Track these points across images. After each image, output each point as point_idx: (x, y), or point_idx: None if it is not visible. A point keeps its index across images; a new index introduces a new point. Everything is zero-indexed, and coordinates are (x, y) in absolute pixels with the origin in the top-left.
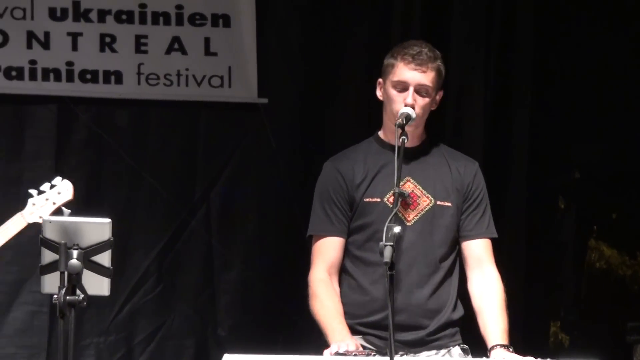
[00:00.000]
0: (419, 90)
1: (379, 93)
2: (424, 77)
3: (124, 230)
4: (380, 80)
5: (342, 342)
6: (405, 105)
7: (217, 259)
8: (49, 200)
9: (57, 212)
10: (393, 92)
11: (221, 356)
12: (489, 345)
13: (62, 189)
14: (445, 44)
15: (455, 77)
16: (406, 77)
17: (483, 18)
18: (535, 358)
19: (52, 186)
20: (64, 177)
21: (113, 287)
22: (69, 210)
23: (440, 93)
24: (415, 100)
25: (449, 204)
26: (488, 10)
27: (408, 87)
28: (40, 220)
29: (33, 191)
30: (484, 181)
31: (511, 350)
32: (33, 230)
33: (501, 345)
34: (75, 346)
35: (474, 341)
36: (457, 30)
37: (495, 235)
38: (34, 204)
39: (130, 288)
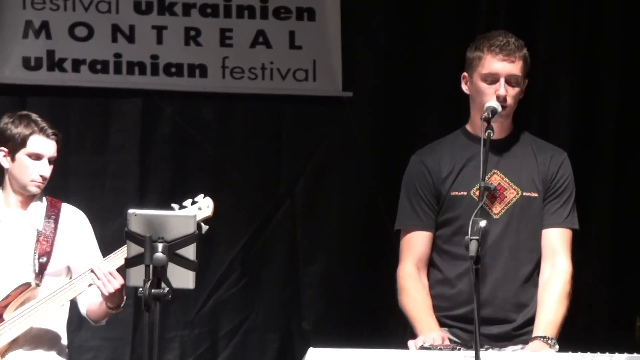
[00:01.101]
0: (509, 80)
1: (464, 87)
2: (514, 67)
3: (208, 223)
4: (466, 73)
5: (428, 335)
6: (498, 97)
7: (301, 253)
8: (191, 213)
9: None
10: (483, 85)
11: (306, 350)
12: (532, 336)
13: (202, 205)
14: (533, 26)
15: (540, 67)
16: (496, 68)
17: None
18: (581, 352)
19: (193, 202)
20: (148, 170)
21: (198, 280)
22: (207, 227)
23: (526, 81)
24: (506, 91)
25: (536, 195)
26: None
27: (498, 78)
28: None
29: (175, 206)
30: (572, 172)
31: (551, 342)
32: (118, 223)
33: (540, 337)
34: (160, 339)
35: None
36: (544, 14)
37: (576, 226)
38: None
39: (214, 281)
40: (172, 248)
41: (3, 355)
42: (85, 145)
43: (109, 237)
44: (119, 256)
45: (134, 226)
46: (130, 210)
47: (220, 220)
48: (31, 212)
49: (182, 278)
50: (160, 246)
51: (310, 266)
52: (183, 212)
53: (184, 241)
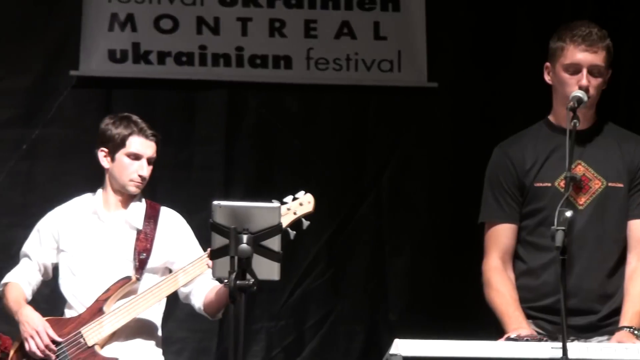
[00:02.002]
0: (592, 70)
1: (547, 77)
2: (596, 57)
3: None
4: (548, 64)
5: (516, 330)
6: (580, 87)
7: (387, 244)
8: (290, 210)
9: (297, 223)
10: (565, 75)
11: (392, 341)
12: (618, 326)
13: (303, 201)
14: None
15: (627, 58)
16: (578, 58)
17: None
18: None
19: (294, 198)
20: (233, 162)
21: (283, 272)
22: (308, 222)
23: (609, 72)
24: (589, 81)
25: (621, 185)
26: None
27: (581, 69)
28: None
29: (275, 201)
30: None
31: (637, 333)
32: (203, 215)
33: (627, 328)
34: (246, 331)
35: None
36: (632, 3)
37: None
38: None
39: (300, 273)
40: (257, 239)
41: (103, 347)
42: (170, 138)
43: (195, 228)
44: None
45: (219, 217)
46: (215, 202)
47: None
48: (131, 211)
49: (267, 269)
50: (245, 237)
51: (395, 257)
52: (268, 204)
53: (269, 232)
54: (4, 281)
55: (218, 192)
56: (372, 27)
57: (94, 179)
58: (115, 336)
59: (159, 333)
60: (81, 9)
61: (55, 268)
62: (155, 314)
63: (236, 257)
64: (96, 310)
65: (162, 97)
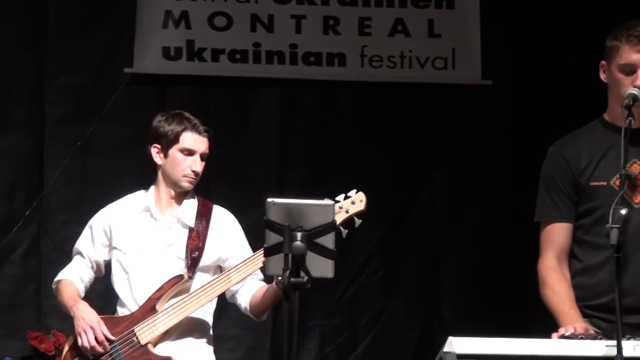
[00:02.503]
0: None
1: (602, 75)
2: None
3: (361, 217)
4: (604, 62)
5: (570, 326)
6: (634, 87)
7: (441, 242)
8: (342, 209)
9: (349, 221)
10: (620, 75)
11: (445, 339)
12: None
13: (355, 200)
14: None
15: None
16: (633, 59)
17: None
18: None
19: (346, 197)
20: (287, 160)
21: (337, 269)
22: (360, 220)
23: None
24: None
25: None
26: None
27: (636, 69)
28: None
29: (328, 200)
30: None
31: None
32: (257, 213)
33: None
34: (300, 328)
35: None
36: None
37: None
38: None
39: (354, 270)
40: (311, 237)
41: (155, 345)
42: (224, 135)
43: (249, 226)
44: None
45: (273, 215)
46: (269, 199)
47: None
48: (183, 209)
49: (321, 267)
50: (299, 235)
51: (450, 255)
52: (322, 201)
53: (323, 230)
54: (57, 279)
55: (272, 189)
56: (427, 24)
57: (147, 176)
58: (167, 335)
59: (211, 331)
60: (136, 6)
61: (108, 265)
62: (206, 312)
63: (290, 255)
64: (149, 309)
65: (215, 95)
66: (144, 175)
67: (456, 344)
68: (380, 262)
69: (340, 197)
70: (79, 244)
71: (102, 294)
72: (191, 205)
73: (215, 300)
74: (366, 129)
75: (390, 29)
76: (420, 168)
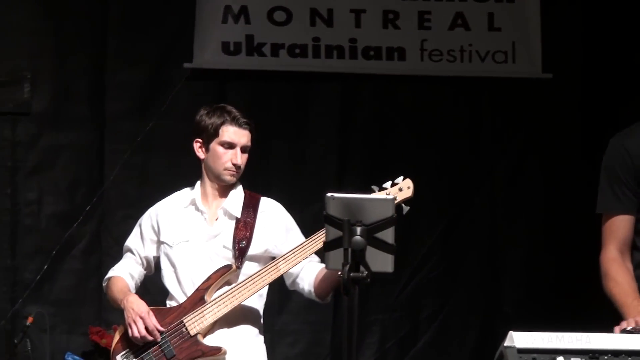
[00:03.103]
0: None
1: None
2: None
3: (409, 204)
4: None
5: (632, 320)
6: None
7: (501, 236)
8: (389, 196)
9: (397, 209)
10: None
11: (506, 333)
12: None
13: (403, 186)
14: None
15: None
16: None
17: None
18: None
19: (393, 184)
20: (347, 154)
21: (397, 264)
22: (408, 207)
23: None
24: None
25: None
26: None
27: None
28: None
29: (375, 187)
30: None
31: None
32: (317, 207)
33: None
34: (360, 323)
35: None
36: None
37: None
38: None
39: (415, 265)
40: (371, 231)
41: (205, 336)
42: (285, 130)
43: (309, 220)
44: (317, 239)
45: (333, 210)
46: (329, 194)
47: (420, 203)
48: (230, 201)
49: (381, 261)
50: (358, 229)
51: (510, 250)
52: (382, 195)
53: (383, 224)
54: (107, 276)
55: (332, 184)
56: (487, 18)
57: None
58: (217, 325)
59: (261, 321)
60: (195, 2)
61: (158, 262)
62: (257, 302)
63: (350, 249)
64: (197, 300)
65: (275, 89)
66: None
67: (517, 338)
68: (441, 256)
69: (387, 184)
70: (129, 242)
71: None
72: (237, 196)
73: (266, 290)
74: (425, 124)
75: (450, 22)
76: (481, 163)
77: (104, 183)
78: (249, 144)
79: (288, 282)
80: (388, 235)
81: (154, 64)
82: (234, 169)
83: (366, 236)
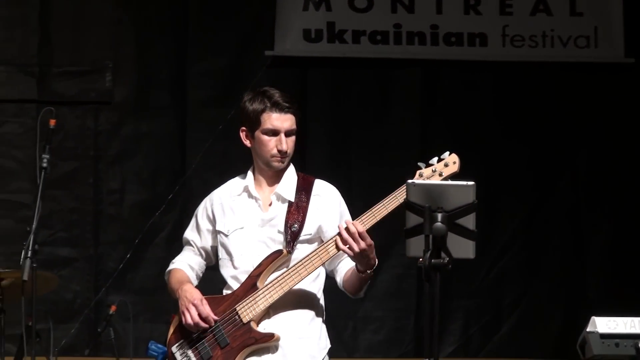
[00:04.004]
0: None
1: None
2: None
3: (490, 192)
4: None
5: None
6: None
7: (585, 221)
8: (435, 172)
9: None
10: None
11: (589, 319)
12: None
13: (449, 162)
14: None
15: None
16: None
17: None
18: None
19: (439, 159)
20: (428, 140)
21: (479, 250)
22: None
23: None
24: None
25: None
26: None
27: None
28: None
29: (421, 164)
30: None
31: None
32: None
33: None
34: (443, 309)
35: None
36: None
37: None
38: (420, 175)
39: (497, 251)
40: (452, 218)
41: (259, 322)
42: (366, 116)
43: None
44: (369, 216)
45: (413, 196)
46: (410, 181)
47: (502, 189)
48: (283, 185)
49: (462, 248)
50: (439, 216)
51: (594, 236)
52: (462, 182)
53: (464, 210)
54: (168, 269)
55: (413, 170)
56: (568, 3)
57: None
58: (271, 311)
59: (321, 303)
60: None
61: (217, 252)
62: (311, 285)
63: (431, 236)
64: (249, 287)
65: (356, 76)
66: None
67: (599, 323)
68: (523, 242)
69: (434, 160)
70: (187, 234)
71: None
72: (290, 180)
73: (322, 273)
74: (507, 109)
75: (532, 8)
76: (563, 147)
77: (186, 171)
78: (294, 127)
79: (328, 269)
80: (469, 221)
81: (235, 52)
82: (280, 156)
83: (447, 222)
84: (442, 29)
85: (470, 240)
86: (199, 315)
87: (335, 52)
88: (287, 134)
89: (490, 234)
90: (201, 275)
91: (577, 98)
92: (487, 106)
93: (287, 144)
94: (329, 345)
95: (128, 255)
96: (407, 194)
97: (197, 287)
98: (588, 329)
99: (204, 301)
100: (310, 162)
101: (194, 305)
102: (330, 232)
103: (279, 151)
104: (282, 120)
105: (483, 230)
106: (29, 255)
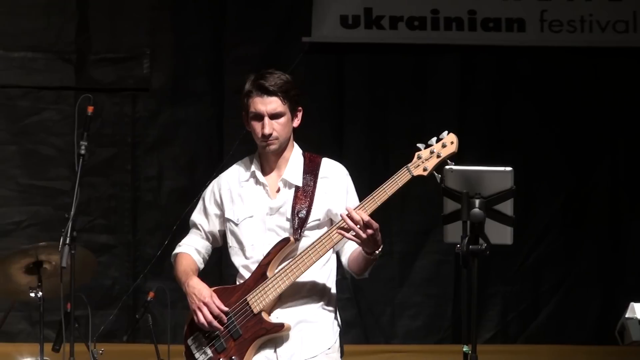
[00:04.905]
0: None
1: None
2: None
3: (527, 178)
4: None
5: None
6: None
7: (623, 207)
8: (433, 154)
9: (442, 165)
10: None
11: (628, 305)
12: None
13: (447, 142)
14: None
15: None
16: None
17: None
18: None
19: (438, 139)
20: (466, 126)
21: (517, 236)
22: (453, 163)
23: None
24: None
25: None
26: None
27: None
28: (425, 174)
29: (421, 145)
30: None
31: None
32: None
33: None
34: (481, 295)
35: None
36: None
37: None
38: (419, 157)
39: (535, 237)
40: (490, 204)
41: (271, 311)
42: (402, 102)
43: (427, 194)
44: (370, 202)
45: (451, 182)
46: (447, 167)
47: (540, 175)
48: (289, 170)
49: (499, 234)
50: (477, 202)
51: (632, 221)
52: (500, 167)
53: (502, 196)
54: (174, 252)
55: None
56: None
57: (325, 144)
58: (281, 300)
59: (332, 291)
60: None
61: (224, 235)
62: (322, 270)
63: (468, 222)
64: (259, 276)
65: (394, 62)
66: (324, 144)
67: (638, 309)
68: (561, 228)
69: (433, 140)
70: (194, 217)
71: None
72: (297, 163)
73: (332, 260)
74: (545, 95)
75: None
76: (601, 133)
77: (224, 158)
78: (279, 109)
79: (335, 249)
80: (507, 207)
81: (272, 39)
82: (265, 140)
83: (485, 208)
84: (480, 15)
85: (508, 226)
86: (211, 313)
87: (372, 38)
88: (273, 117)
89: (528, 220)
90: (207, 258)
91: (615, 83)
92: (524, 92)
93: (273, 127)
94: (339, 329)
95: (166, 242)
96: (444, 180)
97: (202, 271)
98: (627, 315)
99: (215, 297)
100: (347, 148)
101: (205, 304)
102: (337, 214)
103: (263, 135)
104: (265, 104)
105: (521, 216)
106: (67, 242)
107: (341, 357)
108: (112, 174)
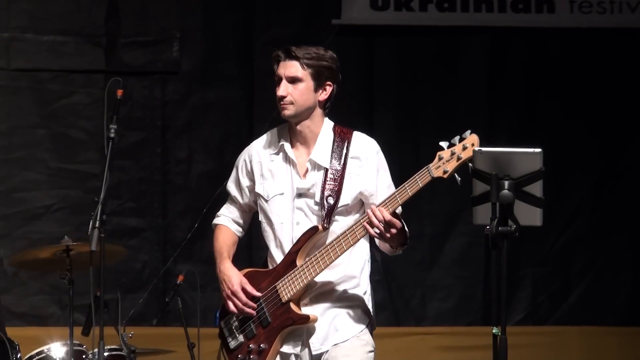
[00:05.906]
0: None
1: None
2: None
3: (557, 160)
4: None
5: None
6: None
7: None
8: (454, 156)
9: (459, 169)
10: None
11: None
12: None
13: (467, 144)
14: None
15: None
16: None
17: None
18: None
19: (460, 139)
20: (497, 108)
21: (548, 217)
22: (471, 165)
23: None
24: None
25: None
26: None
27: None
28: (444, 176)
29: (443, 143)
30: None
31: None
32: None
33: None
34: (512, 277)
35: None
36: None
37: None
38: (440, 158)
39: (565, 219)
40: (519, 185)
41: (299, 301)
42: (433, 85)
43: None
44: (392, 201)
45: (480, 164)
46: (476, 148)
47: (570, 156)
48: (318, 149)
49: (529, 215)
50: (506, 183)
51: None
52: (529, 149)
53: (531, 178)
54: (214, 222)
55: (481, 138)
56: None
57: (355, 126)
58: (310, 289)
59: (363, 273)
60: None
61: (257, 205)
62: (351, 257)
63: (498, 204)
64: (289, 264)
65: (424, 44)
66: (352, 125)
67: None
68: (591, 210)
69: (456, 139)
70: (230, 187)
71: None
72: (326, 141)
73: (367, 246)
74: (577, 76)
75: None
76: (632, 116)
77: (253, 141)
78: (298, 74)
79: None
80: (536, 188)
81: (302, 21)
82: (281, 102)
83: (514, 190)
84: None
85: (537, 207)
86: (241, 301)
87: (402, 20)
88: (290, 80)
89: (557, 201)
90: (247, 227)
91: None
92: (554, 73)
93: (288, 90)
94: (371, 310)
95: (196, 225)
96: (474, 162)
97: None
98: None
99: (246, 283)
100: (377, 130)
101: (235, 292)
102: (373, 194)
103: (278, 97)
104: (285, 67)
105: (550, 197)
106: (97, 225)
107: (372, 337)
108: (142, 157)
